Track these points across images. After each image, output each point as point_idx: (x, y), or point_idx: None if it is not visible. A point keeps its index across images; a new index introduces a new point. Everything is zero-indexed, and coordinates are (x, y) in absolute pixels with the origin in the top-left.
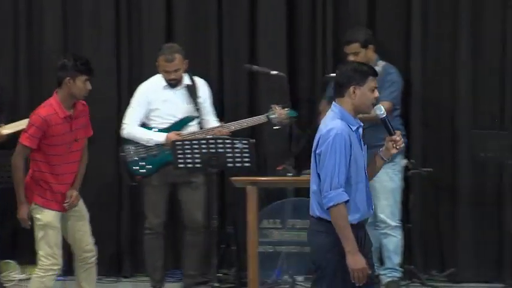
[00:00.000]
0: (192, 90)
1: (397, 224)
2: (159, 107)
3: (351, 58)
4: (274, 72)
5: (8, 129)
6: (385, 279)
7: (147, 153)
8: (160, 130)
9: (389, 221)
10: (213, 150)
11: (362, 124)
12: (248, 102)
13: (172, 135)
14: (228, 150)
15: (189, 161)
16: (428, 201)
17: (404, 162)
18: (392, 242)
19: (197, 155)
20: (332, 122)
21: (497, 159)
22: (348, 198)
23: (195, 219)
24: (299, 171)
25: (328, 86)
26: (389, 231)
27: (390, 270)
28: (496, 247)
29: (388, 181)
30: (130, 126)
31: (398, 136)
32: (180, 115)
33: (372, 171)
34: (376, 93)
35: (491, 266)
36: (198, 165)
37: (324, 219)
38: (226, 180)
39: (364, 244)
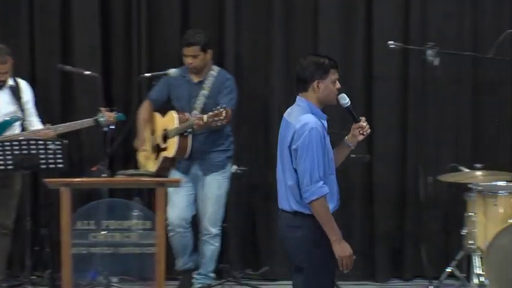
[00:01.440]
0: (15, 92)
1: (217, 232)
2: None
3: (189, 60)
4: (88, 72)
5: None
6: (196, 285)
7: None
8: None
9: (211, 228)
10: (26, 152)
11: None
12: (62, 102)
13: None
14: (41, 151)
15: (1, 162)
16: (244, 200)
17: (234, 168)
18: (210, 250)
19: (9, 157)
20: (304, 116)
21: None
22: (328, 190)
23: (2, 221)
24: (113, 172)
25: (153, 86)
26: (209, 240)
27: (203, 277)
28: None
29: (217, 188)
30: None
31: (364, 122)
32: (2, 117)
33: (337, 160)
34: (338, 85)
35: None
36: (10, 167)
37: (301, 213)
38: (40, 181)
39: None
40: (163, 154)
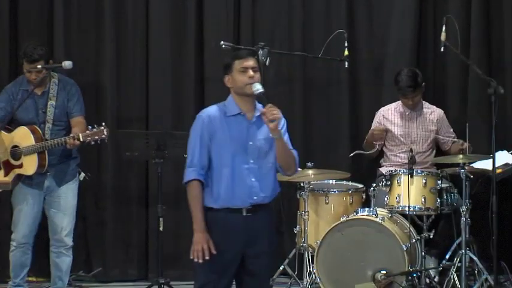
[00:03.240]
0: None
1: (72, 244)
2: None
3: (33, 76)
4: None
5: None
6: None
7: None
8: None
9: (67, 240)
10: None
11: (241, 111)
12: None
13: None
14: None
15: None
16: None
17: (82, 176)
18: (67, 262)
19: None
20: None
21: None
22: (195, 177)
23: None
24: None
25: None
26: (66, 251)
27: None
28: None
29: (72, 198)
30: None
31: (266, 108)
32: None
33: (277, 155)
34: (250, 73)
35: (138, 265)
36: None
37: None
38: None
39: (240, 231)
40: (19, 171)
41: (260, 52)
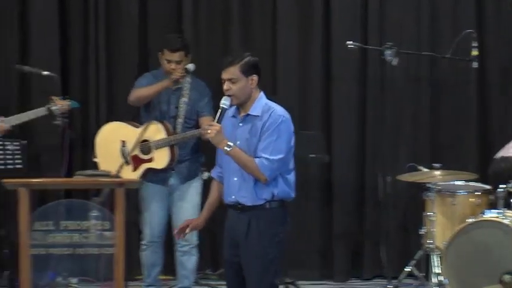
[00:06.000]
0: None
1: (198, 242)
2: None
3: (172, 66)
4: (46, 72)
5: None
6: None
7: None
8: None
9: (192, 239)
10: None
11: (234, 113)
12: (19, 102)
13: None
14: None
15: None
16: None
17: (206, 175)
18: (192, 261)
19: None
20: None
21: None
22: (212, 176)
23: None
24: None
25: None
26: (191, 250)
27: None
28: None
29: (195, 195)
30: None
31: (208, 127)
32: None
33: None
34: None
35: None
36: None
37: None
38: None
39: (228, 228)
40: (149, 165)
41: (388, 52)
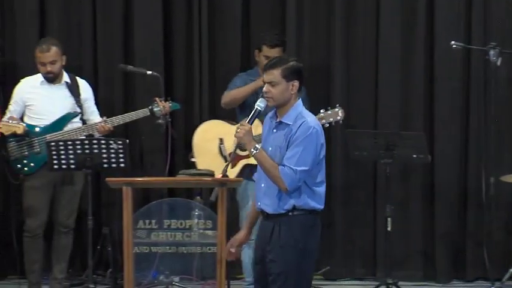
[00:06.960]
0: (72, 88)
1: None
2: (35, 103)
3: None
4: (150, 72)
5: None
6: None
7: (29, 151)
8: (42, 127)
9: None
10: (88, 151)
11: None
12: (123, 102)
13: None
14: (103, 150)
15: (63, 162)
16: None
17: None
18: None
19: (72, 156)
20: None
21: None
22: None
23: (63, 220)
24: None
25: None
26: None
27: None
28: (371, 246)
29: None
30: None
31: (239, 129)
32: (58, 111)
33: None
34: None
35: (365, 265)
36: (72, 166)
37: None
38: (102, 180)
39: (260, 233)
40: (247, 161)
41: (491, 52)
